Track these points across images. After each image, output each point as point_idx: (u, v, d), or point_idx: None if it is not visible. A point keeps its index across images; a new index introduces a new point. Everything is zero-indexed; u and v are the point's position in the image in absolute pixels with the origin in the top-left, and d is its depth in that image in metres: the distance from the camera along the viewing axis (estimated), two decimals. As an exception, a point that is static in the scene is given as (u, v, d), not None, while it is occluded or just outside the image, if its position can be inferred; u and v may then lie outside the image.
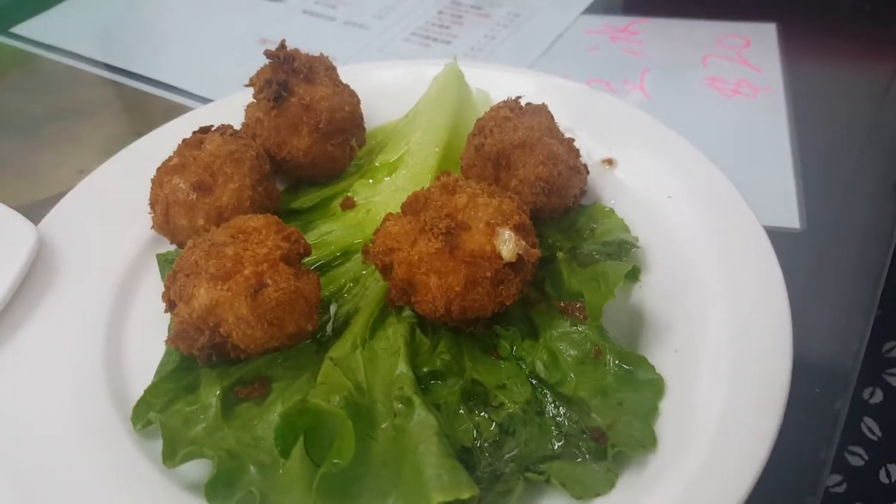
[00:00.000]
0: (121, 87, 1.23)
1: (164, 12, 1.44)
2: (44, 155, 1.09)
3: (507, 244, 0.62)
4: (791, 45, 1.18)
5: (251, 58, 1.29)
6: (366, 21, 1.35)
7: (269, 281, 0.61)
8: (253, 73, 0.87)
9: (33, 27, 1.42)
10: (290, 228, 0.67)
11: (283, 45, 0.83)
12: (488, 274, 0.62)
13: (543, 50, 1.22)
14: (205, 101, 1.16)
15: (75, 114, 1.18)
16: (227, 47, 1.31)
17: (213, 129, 0.80)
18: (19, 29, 1.42)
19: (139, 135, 1.11)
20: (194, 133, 0.79)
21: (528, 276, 0.64)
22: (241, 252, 0.62)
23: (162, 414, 0.61)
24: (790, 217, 0.88)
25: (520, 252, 0.62)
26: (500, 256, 0.62)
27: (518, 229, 0.64)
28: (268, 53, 0.82)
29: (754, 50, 1.18)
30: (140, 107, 1.19)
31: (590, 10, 1.33)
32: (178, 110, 1.15)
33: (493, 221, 0.63)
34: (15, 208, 0.84)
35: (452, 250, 0.62)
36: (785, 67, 1.13)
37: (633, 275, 0.63)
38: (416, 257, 0.63)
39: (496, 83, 0.95)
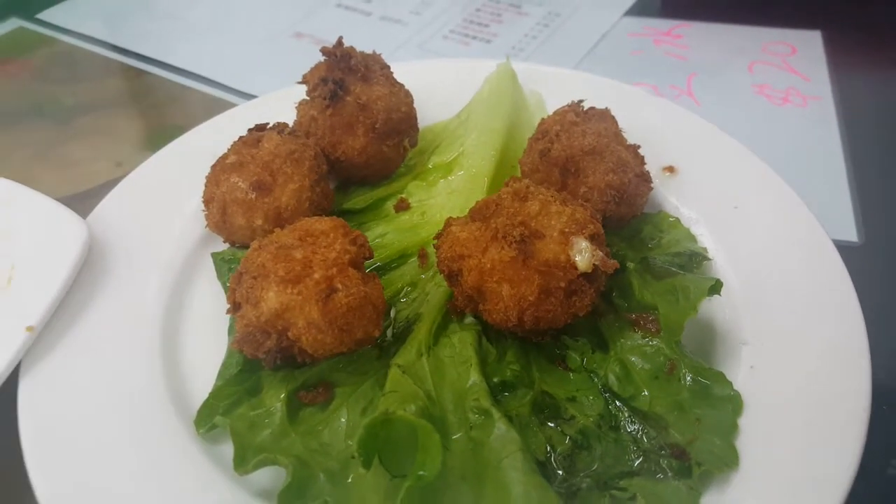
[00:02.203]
0: (154, 78, 1.21)
1: (194, 2, 1.42)
2: (79, 146, 1.07)
3: (583, 254, 0.61)
4: (837, 54, 1.17)
5: (286, 51, 1.28)
6: (402, 17, 1.33)
7: (340, 286, 0.60)
8: (289, 67, 0.85)
9: (60, 13, 1.40)
10: (356, 232, 0.65)
11: (339, 43, 0.81)
12: (562, 284, 0.61)
13: (587, 51, 1.20)
14: (241, 94, 1.14)
15: (109, 105, 1.16)
16: (262, 40, 1.29)
17: (269, 126, 0.78)
18: (46, 15, 1.40)
19: (176, 127, 1.10)
20: (250, 131, 0.77)
21: (601, 287, 0.63)
22: (309, 255, 0.61)
23: (227, 418, 0.60)
24: (847, 230, 0.86)
25: (596, 262, 0.61)
26: (574, 266, 0.61)
27: (592, 239, 0.62)
28: (324, 51, 0.80)
29: (801, 57, 1.17)
30: (175, 99, 1.16)
31: (630, 11, 1.31)
32: (215, 103, 1.13)
33: (567, 230, 0.62)
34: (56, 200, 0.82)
35: (526, 259, 0.61)
36: (833, 76, 1.12)
37: (716, 289, 0.61)
38: (487, 265, 0.62)
39: (548, 84, 0.94)
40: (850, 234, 0.86)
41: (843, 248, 0.80)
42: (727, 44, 1.21)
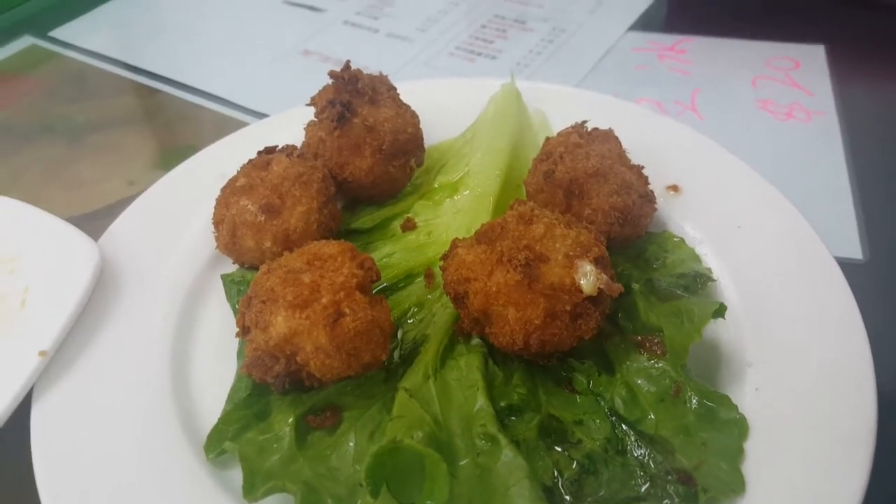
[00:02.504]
0: (164, 97, 1.23)
1: (203, 21, 1.43)
2: (90, 165, 1.09)
3: (588, 277, 0.61)
4: (841, 68, 1.17)
5: (295, 69, 1.30)
6: (409, 34, 1.35)
7: (347, 310, 0.60)
8: (297, 84, 0.86)
9: (71, 31, 1.42)
10: (364, 255, 0.66)
11: (347, 66, 0.82)
12: (568, 307, 0.61)
13: (591, 67, 1.21)
14: (251, 112, 1.16)
15: (119, 123, 1.18)
16: (271, 58, 1.30)
17: (278, 149, 0.79)
18: (58, 32, 1.42)
19: (187, 146, 1.12)
20: (259, 153, 0.78)
21: (606, 310, 0.64)
22: (318, 280, 0.62)
23: (236, 443, 0.61)
24: (852, 247, 0.87)
25: (601, 286, 0.61)
26: (579, 290, 0.61)
27: (597, 262, 0.63)
28: (332, 74, 0.81)
29: (804, 72, 1.17)
30: (186, 117, 1.18)
31: (634, 26, 1.32)
32: (225, 122, 1.15)
33: (572, 253, 0.62)
34: (67, 221, 0.83)
35: (531, 282, 0.61)
36: (836, 91, 1.12)
37: (720, 312, 0.61)
38: (493, 288, 0.62)
39: (552, 102, 0.94)
40: (855, 252, 0.86)
41: (847, 266, 0.81)
42: (730, 58, 1.22)
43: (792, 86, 1.14)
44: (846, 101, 1.10)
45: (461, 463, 0.57)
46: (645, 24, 1.33)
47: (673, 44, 1.26)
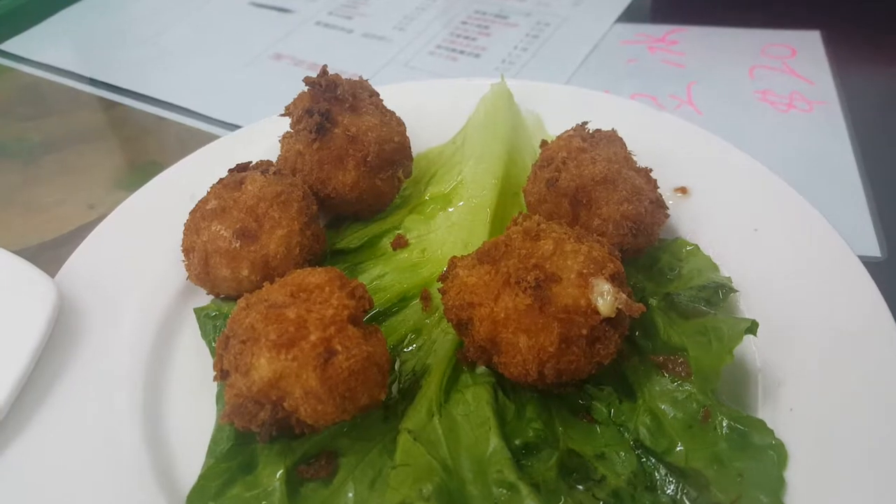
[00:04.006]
0: (126, 110, 1.14)
1: (165, 27, 1.35)
2: (48, 188, 1.00)
3: (605, 297, 0.55)
4: (839, 53, 1.13)
5: (265, 74, 1.22)
6: (386, 33, 1.28)
7: (339, 347, 0.54)
8: (268, 91, 0.79)
9: (23, 43, 1.32)
10: (354, 282, 0.59)
11: (324, 71, 0.75)
12: (584, 331, 0.55)
13: (579, 62, 1.16)
14: (219, 123, 1.08)
15: (77, 141, 1.09)
16: (239, 64, 1.22)
17: (251, 165, 0.72)
18: (8, 45, 1.32)
19: (152, 163, 1.04)
20: (231, 171, 0.71)
21: (624, 332, 0.58)
22: (304, 314, 0.55)
23: (219, 502, 0.54)
24: (869, 244, 0.82)
25: (619, 306, 0.55)
26: (596, 311, 0.55)
27: (613, 279, 0.57)
28: (308, 81, 0.74)
29: (802, 59, 1.13)
30: (149, 131, 1.10)
31: (620, 18, 1.27)
32: (191, 134, 1.07)
33: (585, 271, 0.56)
34: (24, 251, 0.76)
35: (543, 306, 0.55)
36: (837, 78, 1.08)
37: (752, 330, 0.56)
38: (501, 314, 0.56)
39: (546, 102, 0.89)
40: (873, 249, 0.81)
41: (867, 264, 0.76)
42: (724, 48, 1.17)
43: (791, 74, 1.10)
44: (848, 89, 1.05)
45: (477, 515, 0.51)
46: (631, 15, 1.27)
47: (663, 35, 1.21)
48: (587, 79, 1.12)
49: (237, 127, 1.03)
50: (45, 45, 1.32)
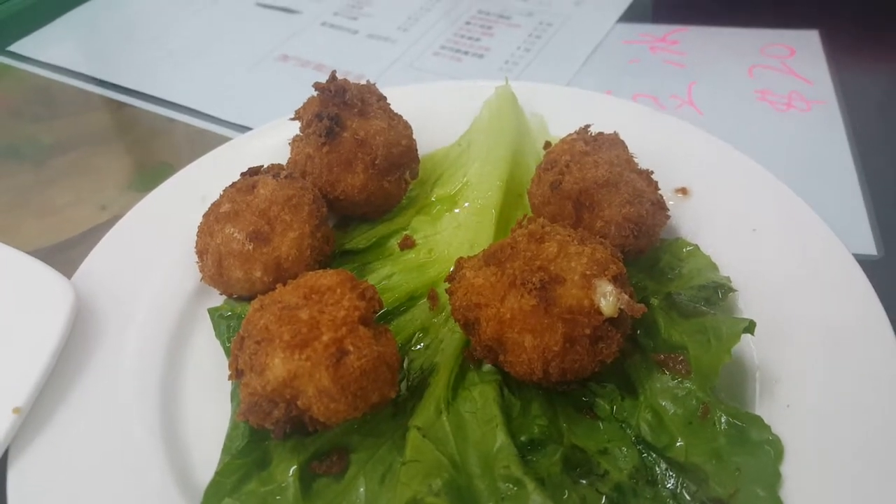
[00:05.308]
0: (135, 111, 1.16)
1: (173, 29, 1.36)
2: (60, 189, 1.02)
3: (608, 298, 0.57)
4: (837, 53, 1.14)
5: (272, 75, 1.24)
6: (391, 34, 1.29)
7: (351, 347, 0.56)
8: (275, 92, 0.81)
9: (33, 44, 1.34)
10: (365, 284, 0.61)
11: (333, 77, 0.77)
12: (587, 331, 0.57)
13: (582, 62, 1.17)
14: (227, 124, 1.10)
15: (88, 142, 1.11)
16: (246, 65, 1.24)
17: (263, 169, 0.73)
18: (18, 47, 1.34)
19: (162, 163, 1.05)
20: (243, 175, 0.73)
21: (627, 331, 0.60)
22: (316, 315, 0.57)
23: (235, 498, 0.56)
24: (866, 243, 0.84)
25: (622, 306, 0.57)
26: (599, 312, 0.57)
27: (616, 280, 0.59)
28: (317, 86, 0.76)
29: (800, 59, 1.14)
30: (159, 133, 1.11)
31: (622, 18, 1.28)
32: (200, 135, 1.08)
33: (589, 273, 0.58)
34: (36, 252, 0.77)
35: (548, 307, 0.57)
36: (835, 77, 1.09)
37: (749, 330, 0.58)
38: (507, 315, 0.58)
39: (549, 104, 0.90)
40: (869, 247, 0.83)
41: (864, 263, 0.78)
42: (724, 48, 1.18)
43: (789, 73, 1.11)
44: (846, 89, 1.07)
45: (485, 509, 0.53)
46: (632, 15, 1.29)
47: (664, 35, 1.22)
48: (589, 79, 1.13)
49: (245, 128, 1.05)
50: (53, 46, 1.33)
